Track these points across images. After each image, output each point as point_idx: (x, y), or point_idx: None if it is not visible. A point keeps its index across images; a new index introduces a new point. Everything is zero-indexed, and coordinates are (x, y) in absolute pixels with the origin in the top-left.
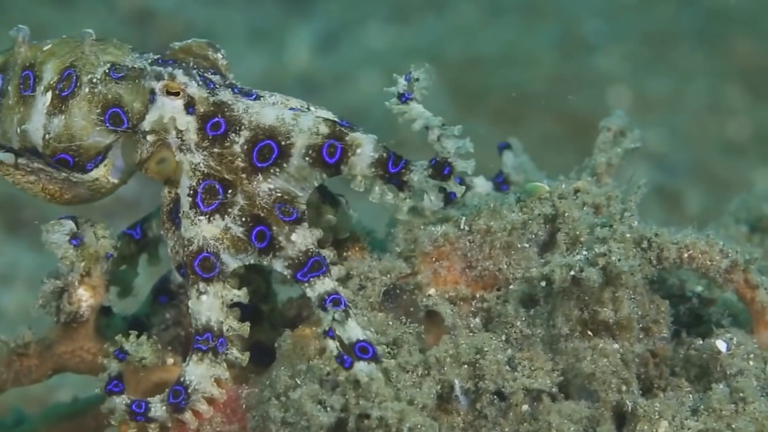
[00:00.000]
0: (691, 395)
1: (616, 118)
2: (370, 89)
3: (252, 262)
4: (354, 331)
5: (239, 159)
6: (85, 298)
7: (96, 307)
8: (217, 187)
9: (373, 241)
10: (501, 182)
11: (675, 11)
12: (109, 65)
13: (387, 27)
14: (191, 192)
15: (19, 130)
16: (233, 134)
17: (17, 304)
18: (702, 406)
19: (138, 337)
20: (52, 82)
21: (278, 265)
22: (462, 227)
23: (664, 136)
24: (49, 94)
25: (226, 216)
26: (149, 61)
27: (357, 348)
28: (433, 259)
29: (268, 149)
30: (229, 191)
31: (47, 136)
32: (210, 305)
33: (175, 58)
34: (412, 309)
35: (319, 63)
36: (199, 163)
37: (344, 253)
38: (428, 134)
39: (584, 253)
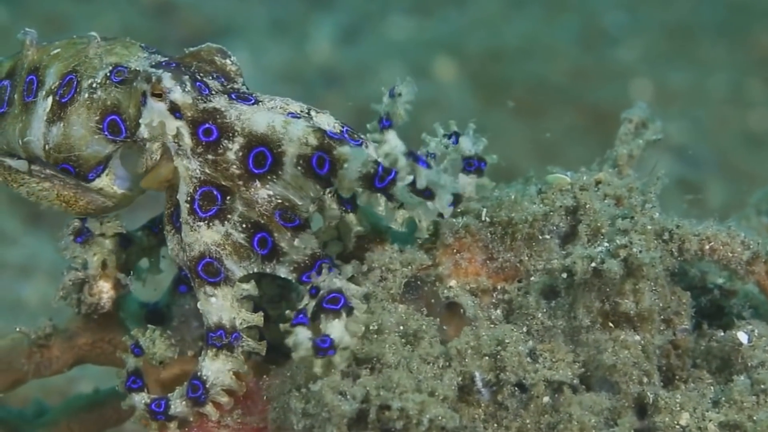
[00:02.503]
0: (712, 387)
1: (638, 110)
2: (392, 81)
3: (256, 270)
4: (335, 330)
5: (234, 166)
6: (105, 289)
7: (117, 299)
8: (215, 193)
9: (394, 233)
10: (477, 165)
11: (696, 3)
12: (111, 67)
13: (408, 19)
14: (189, 198)
15: (21, 142)
16: (226, 141)
17: (38, 296)
18: (723, 398)
19: (153, 332)
20: (53, 87)
21: (282, 271)
22: (483, 219)
23: (686, 129)
24: (50, 100)
25: (225, 222)
26: (153, 63)
27: (319, 341)
28: (455, 250)
29: (263, 156)
30: (228, 197)
31: (47, 146)
32: (219, 306)
33: (183, 62)
34: (433, 300)
35: (341, 55)
36: (195, 170)
37: (366, 245)
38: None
39: (605, 244)
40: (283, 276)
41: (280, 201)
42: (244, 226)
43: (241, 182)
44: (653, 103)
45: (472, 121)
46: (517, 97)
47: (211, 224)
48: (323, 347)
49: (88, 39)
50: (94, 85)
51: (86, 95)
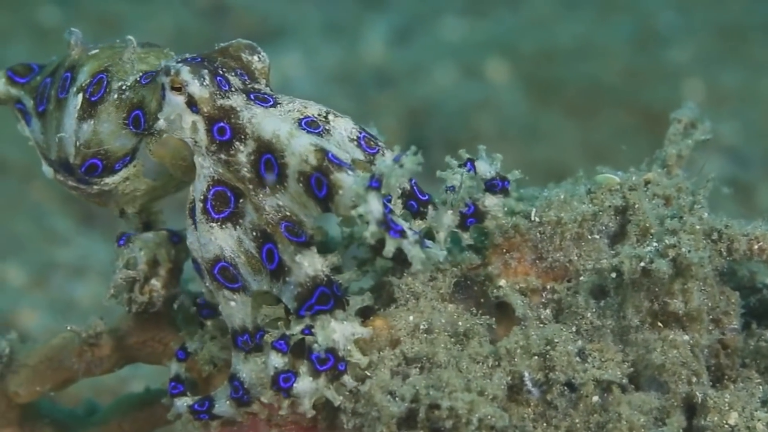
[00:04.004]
0: (761, 386)
1: (687, 110)
2: (444, 82)
3: (266, 288)
4: (302, 384)
5: (245, 169)
6: (157, 288)
7: (168, 297)
8: (229, 194)
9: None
10: (502, 185)
11: (749, 3)
12: (141, 74)
13: (462, 20)
14: (202, 197)
15: (57, 139)
16: (238, 143)
17: (91, 296)
18: None
19: (204, 335)
20: (84, 84)
21: (286, 296)
22: (533, 219)
23: (738, 129)
24: (80, 97)
25: (238, 227)
26: (179, 59)
27: (282, 379)
28: (504, 250)
29: (271, 163)
30: (240, 200)
31: (78, 143)
32: (239, 309)
33: (209, 58)
34: (482, 300)
35: (394, 56)
36: (209, 167)
37: None
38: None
39: (654, 244)
40: (285, 302)
41: (288, 213)
42: (254, 234)
43: (251, 186)
44: (705, 104)
45: (524, 121)
46: (569, 97)
47: (223, 226)
48: (282, 386)
49: (126, 43)
50: (124, 87)
51: (115, 96)
